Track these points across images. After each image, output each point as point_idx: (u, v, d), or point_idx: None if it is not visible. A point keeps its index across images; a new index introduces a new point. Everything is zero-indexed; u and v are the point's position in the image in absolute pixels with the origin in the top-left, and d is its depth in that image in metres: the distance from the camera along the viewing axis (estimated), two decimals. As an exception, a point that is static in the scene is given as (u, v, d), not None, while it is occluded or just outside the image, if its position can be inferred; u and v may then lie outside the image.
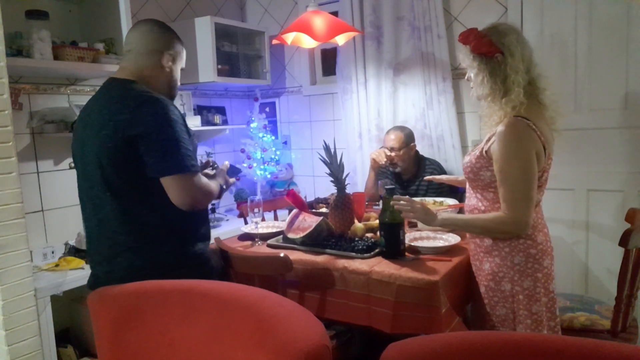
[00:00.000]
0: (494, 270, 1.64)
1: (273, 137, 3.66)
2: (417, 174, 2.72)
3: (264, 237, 2.17)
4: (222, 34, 3.24)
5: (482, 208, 1.66)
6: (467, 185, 1.76)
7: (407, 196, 1.78)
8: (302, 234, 1.98)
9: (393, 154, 2.67)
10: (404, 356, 1.01)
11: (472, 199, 1.72)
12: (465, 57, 1.65)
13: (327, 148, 2.05)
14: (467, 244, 1.93)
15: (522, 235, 1.59)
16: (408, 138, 2.69)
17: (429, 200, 2.31)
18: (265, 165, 3.57)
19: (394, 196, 1.75)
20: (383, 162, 2.71)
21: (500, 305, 1.64)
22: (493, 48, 1.56)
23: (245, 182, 3.68)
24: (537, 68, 1.61)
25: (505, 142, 1.52)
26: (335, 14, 3.19)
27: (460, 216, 1.73)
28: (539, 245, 1.60)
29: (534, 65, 1.61)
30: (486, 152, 1.60)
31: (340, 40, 2.66)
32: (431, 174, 2.49)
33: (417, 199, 2.30)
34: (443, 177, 2.21)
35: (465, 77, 1.71)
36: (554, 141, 1.63)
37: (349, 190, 2.10)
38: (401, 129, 2.74)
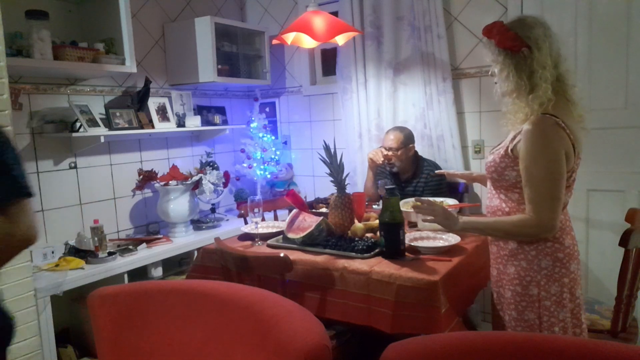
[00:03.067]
0: (521, 274, 1.56)
1: (273, 137, 3.66)
2: (415, 175, 2.72)
3: (264, 237, 2.17)
4: (222, 34, 3.24)
5: (507, 210, 1.59)
6: (489, 186, 1.68)
7: (426, 198, 1.74)
8: (302, 234, 1.98)
9: (390, 153, 2.67)
10: (404, 356, 1.01)
11: (494, 199, 1.64)
12: (488, 52, 1.57)
13: (327, 148, 2.05)
14: (468, 244, 1.93)
15: (550, 238, 1.52)
16: (407, 139, 2.69)
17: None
18: (265, 165, 3.57)
19: (415, 198, 1.72)
20: (380, 162, 2.71)
21: (528, 310, 1.57)
22: (519, 42, 1.49)
23: (245, 182, 3.68)
24: (566, 63, 1.54)
25: (533, 140, 1.45)
26: (335, 14, 3.19)
27: (481, 219, 1.67)
28: (566, 249, 1.53)
29: (562, 60, 1.52)
30: (511, 150, 1.52)
31: (340, 40, 2.66)
32: (429, 174, 2.48)
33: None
34: (457, 171, 2.15)
35: (489, 73, 1.63)
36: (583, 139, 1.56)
37: (349, 190, 2.10)
38: (401, 129, 2.74)
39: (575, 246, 1.58)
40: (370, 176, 2.84)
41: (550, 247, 1.53)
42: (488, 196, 1.70)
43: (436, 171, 2.25)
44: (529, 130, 1.47)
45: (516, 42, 1.49)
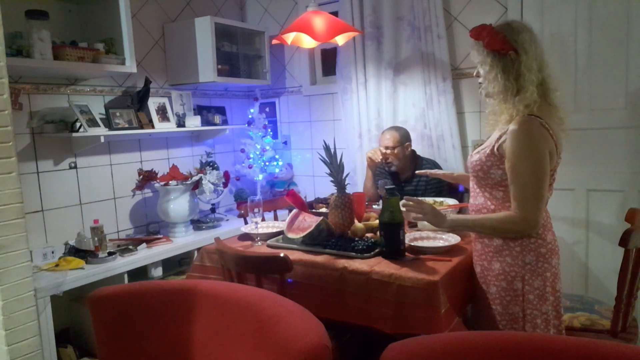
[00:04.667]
0: (505, 270, 1.62)
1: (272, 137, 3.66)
2: (414, 174, 2.72)
3: (264, 237, 2.17)
4: (222, 34, 3.24)
5: (492, 207, 1.64)
6: (472, 184, 1.73)
7: (415, 197, 1.77)
8: (302, 234, 1.98)
9: (388, 152, 2.68)
10: (404, 356, 1.01)
11: (478, 197, 1.69)
12: (476, 53, 1.62)
13: (327, 148, 2.04)
14: (468, 244, 1.93)
15: (533, 235, 1.58)
16: (403, 138, 2.70)
17: (428, 200, 2.30)
18: (265, 165, 3.57)
19: (405, 197, 1.73)
20: (378, 160, 2.72)
21: (513, 304, 1.62)
22: (507, 45, 1.54)
23: (245, 182, 3.68)
24: (548, 68, 1.60)
25: (519, 140, 1.51)
26: (335, 14, 3.19)
27: (469, 217, 1.71)
28: (548, 245, 1.60)
29: (545, 65, 1.59)
30: (497, 150, 1.58)
31: (340, 40, 2.66)
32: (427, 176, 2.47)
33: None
34: (438, 171, 2.19)
35: (474, 74, 1.68)
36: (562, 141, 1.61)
37: (349, 190, 2.10)
38: (396, 128, 2.75)
39: (556, 242, 1.65)
40: (369, 175, 2.84)
41: (533, 243, 1.59)
42: (471, 195, 1.75)
43: (417, 172, 2.26)
44: (516, 130, 1.52)
45: (504, 45, 1.55)
